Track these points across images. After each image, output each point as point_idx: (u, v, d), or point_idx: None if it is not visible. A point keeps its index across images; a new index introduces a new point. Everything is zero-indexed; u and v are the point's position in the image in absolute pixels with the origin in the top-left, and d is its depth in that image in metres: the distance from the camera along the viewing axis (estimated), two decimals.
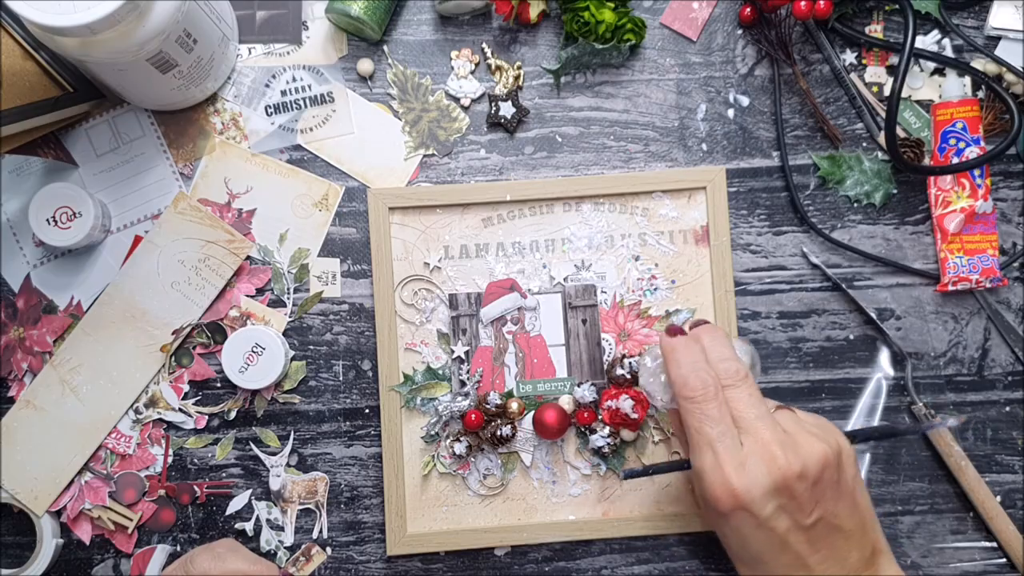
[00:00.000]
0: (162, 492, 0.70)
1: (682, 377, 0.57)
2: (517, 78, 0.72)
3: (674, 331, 0.60)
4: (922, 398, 0.71)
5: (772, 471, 0.53)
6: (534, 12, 0.71)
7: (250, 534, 0.70)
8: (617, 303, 0.70)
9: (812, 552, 0.54)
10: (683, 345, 0.58)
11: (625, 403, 0.67)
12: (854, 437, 0.60)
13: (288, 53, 0.72)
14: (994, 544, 0.70)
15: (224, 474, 0.71)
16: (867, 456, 0.71)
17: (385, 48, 0.73)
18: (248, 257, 0.71)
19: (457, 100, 0.72)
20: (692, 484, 0.67)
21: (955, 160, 0.70)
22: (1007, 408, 0.71)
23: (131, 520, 0.70)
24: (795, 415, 0.58)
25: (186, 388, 0.71)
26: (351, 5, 0.68)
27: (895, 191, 0.72)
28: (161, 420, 0.71)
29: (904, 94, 0.72)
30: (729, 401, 0.56)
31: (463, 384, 0.70)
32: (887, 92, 0.72)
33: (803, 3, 0.68)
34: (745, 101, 0.73)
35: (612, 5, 0.69)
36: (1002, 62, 0.70)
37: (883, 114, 0.72)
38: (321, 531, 0.71)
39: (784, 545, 0.54)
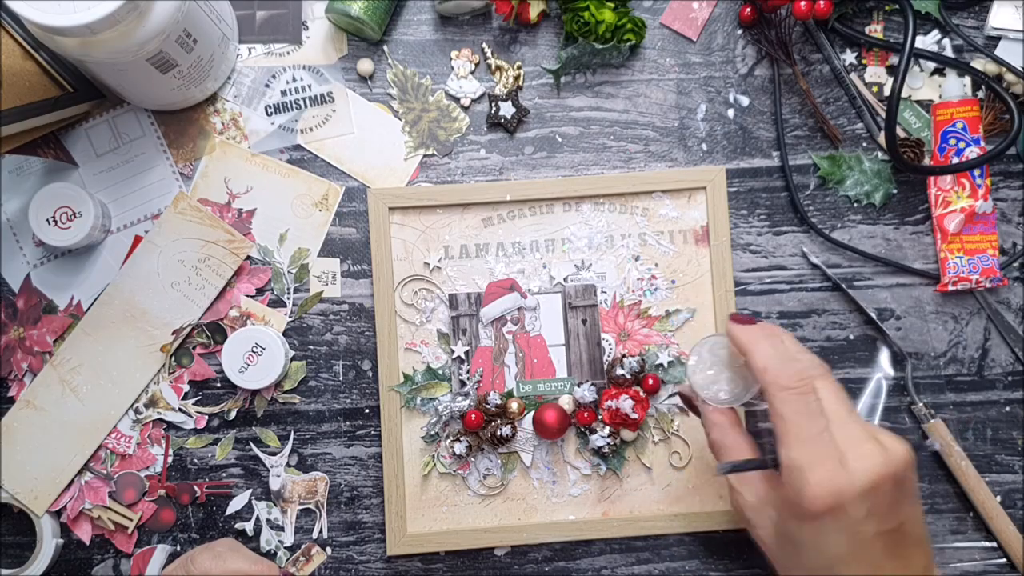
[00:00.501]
0: (162, 492, 0.70)
1: (775, 367, 0.53)
2: (517, 78, 0.72)
3: (744, 320, 0.57)
4: (922, 398, 0.71)
5: (870, 470, 0.49)
6: (534, 12, 0.71)
7: (250, 534, 0.70)
8: (617, 303, 0.70)
9: (887, 559, 0.51)
10: (766, 335, 0.55)
11: (625, 403, 0.67)
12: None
13: (288, 53, 0.72)
14: (994, 544, 0.70)
15: (224, 474, 0.71)
16: None
17: (385, 48, 0.73)
18: (248, 257, 0.71)
19: (457, 100, 0.72)
20: (734, 486, 0.60)
21: (955, 160, 0.70)
22: (1007, 408, 0.71)
23: (131, 520, 0.70)
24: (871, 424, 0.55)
25: (186, 388, 0.71)
26: (351, 5, 0.68)
27: (895, 191, 0.72)
28: (161, 420, 0.71)
29: (904, 94, 0.72)
30: (821, 396, 0.52)
31: (463, 384, 0.70)
32: (887, 92, 0.72)
33: (803, 3, 0.68)
34: (745, 101, 0.73)
35: (612, 5, 0.69)
36: (1002, 62, 0.70)
37: (883, 114, 0.72)
38: (321, 531, 0.71)
39: (863, 552, 0.50)
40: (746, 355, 0.55)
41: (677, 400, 0.70)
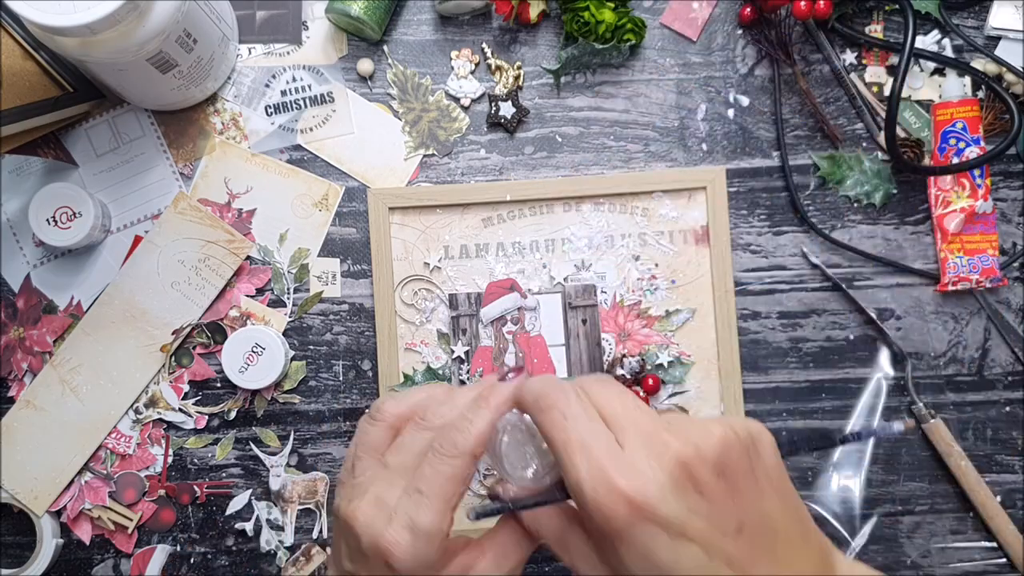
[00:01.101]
0: (162, 492, 0.70)
1: (533, 391, 0.43)
2: (517, 78, 0.72)
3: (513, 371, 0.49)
4: (922, 398, 0.71)
5: (665, 460, 0.39)
6: (534, 12, 0.71)
7: (250, 534, 0.70)
8: (617, 303, 0.70)
9: (747, 560, 0.39)
10: (536, 377, 0.45)
11: None
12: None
13: (288, 53, 0.72)
14: (994, 544, 0.70)
15: (224, 474, 0.71)
16: (867, 457, 0.71)
17: (385, 48, 0.73)
18: (248, 257, 0.71)
19: (457, 100, 0.72)
20: (574, 532, 0.47)
21: (955, 160, 0.70)
22: (1007, 408, 0.71)
23: (131, 520, 0.70)
24: (687, 415, 0.47)
25: (186, 388, 0.71)
26: (351, 5, 0.68)
27: (895, 191, 0.72)
28: (161, 420, 0.71)
29: (904, 94, 0.72)
30: (596, 401, 0.42)
31: (463, 384, 0.70)
32: (887, 92, 0.72)
33: (803, 3, 0.68)
34: (745, 101, 0.73)
35: (612, 5, 0.69)
36: (1002, 62, 0.70)
37: (883, 114, 0.72)
38: (321, 531, 0.71)
39: (710, 560, 0.39)
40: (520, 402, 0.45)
41: (677, 400, 0.70)
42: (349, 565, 0.45)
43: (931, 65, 0.72)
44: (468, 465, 0.45)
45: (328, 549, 0.70)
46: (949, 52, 0.72)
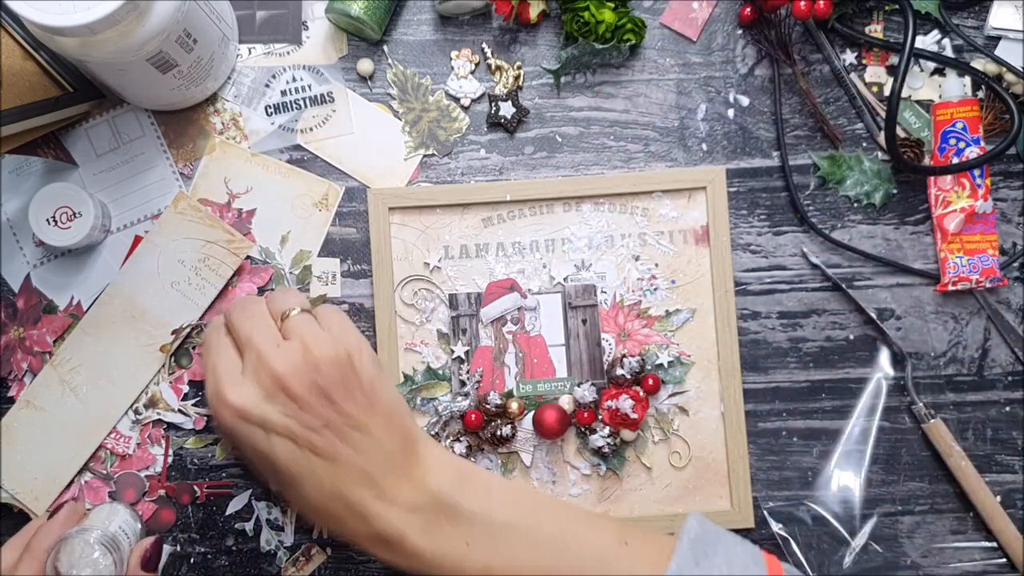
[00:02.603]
0: (162, 492, 0.70)
1: (206, 332, 0.61)
2: (517, 78, 0.72)
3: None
4: (922, 398, 0.71)
5: (262, 379, 0.54)
6: (534, 12, 0.71)
7: (250, 534, 0.70)
8: (617, 303, 0.70)
9: (332, 449, 0.53)
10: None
11: (625, 403, 0.67)
12: None
13: (288, 53, 0.72)
14: (994, 544, 0.70)
15: (224, 474, 0.71)
16: (867, 457, 0.71)
17: (385, 48, 0.73)
18: (248, 257, 0.71)
19: (457, 100, 0.72)
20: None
21: (955, 160, 0.70)
22: (1007, 408, 0.71)
23: None
24: (311, 318, 0.58)
25: (186, 388, 0.71)
26: (351, 5, 0.68)
27: (895, 191, 0.72)
28: (161, 420, 0.71)
29: (904, 94, 0.72)
30: (232, 327, 0.58)
31: (463, 384, 0.70)
32: (887, 92, 0.72)
33: (803, 3, 0.68)
34: (745, 101, 0.73)
35: (612, 5, 0.69)
36: (1002, 62, 0.70)
37: (883, 114, 0.72)
38: (321, 531, 0.71)
39: (304, 453, 0.54)
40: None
41: (677, 400, 0.70)
42: None
43: (931, 65, 0.72)
44: None
45: (328, 549, 0.71)
46: (949, 52, 0.72)
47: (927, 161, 0.72)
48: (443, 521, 0.54)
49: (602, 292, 0.70)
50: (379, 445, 0.55)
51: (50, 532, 0.59)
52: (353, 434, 0.54)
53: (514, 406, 0.68)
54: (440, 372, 0.70)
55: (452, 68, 0.72)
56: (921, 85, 0.72)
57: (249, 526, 0.70)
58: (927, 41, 0.72)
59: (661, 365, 0.70)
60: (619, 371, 0.68)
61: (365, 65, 0.72)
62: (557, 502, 0.59)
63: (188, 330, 0.70)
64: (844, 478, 0.71)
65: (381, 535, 0.54)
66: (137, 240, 0.71)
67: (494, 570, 0.53)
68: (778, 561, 0.54)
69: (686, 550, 0.53)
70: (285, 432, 0.53)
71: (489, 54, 0.72)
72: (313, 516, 0.57)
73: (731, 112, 0.73)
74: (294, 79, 0.72)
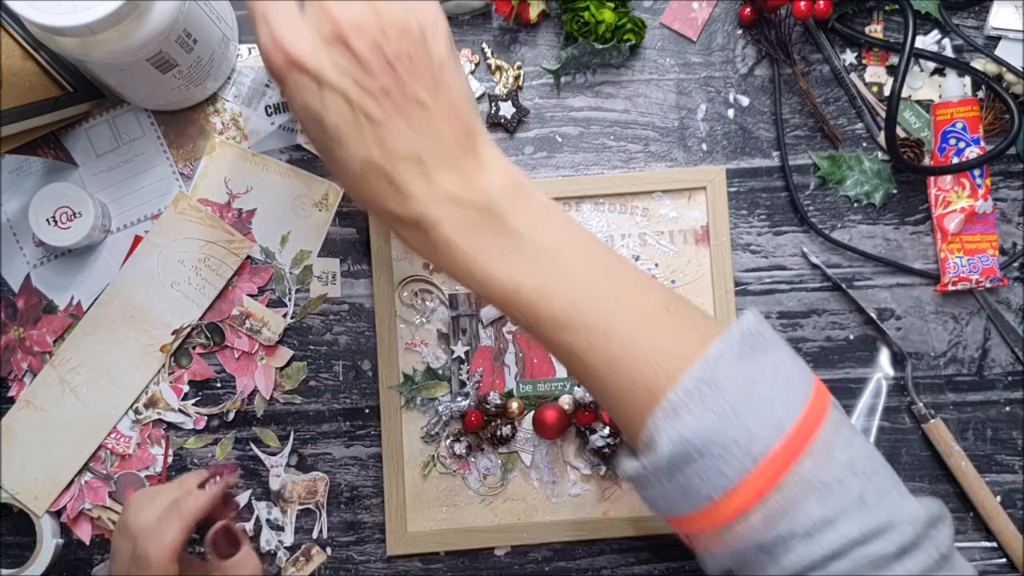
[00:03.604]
0: None
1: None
2: (517, 78, 0.72)
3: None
4: (922, 398, 0.71)
5: (323, 25, 0.46)
6: (534, 12, 0.71)
7: (250, 534, 0.70)
8: None
9: (387, 120, 0.47)
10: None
11: None
12: None
13: None
14: (994, 544, 0.70)
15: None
16: None
17: None
18: (248, 257, 0.71)
19: None
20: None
21: (955, 160, 0.70)
22: (1007, 408, 0.71)
23: None
24: None
25: (186, 388, 0.71)
26: None
27: (895, 191, 0.72)
28: (161, 420, 0.71)
29: (904, 94, 0.72)
30: None
31: (463, 384, 0.70)
32: (887, 92, 0.72)
33: (803, 3, 0.68)
34: (745, 101, 0.73)
35: (612, 5, 0.69)
36: (1002, 62, 0.70)
37: (883, 114, 0.72)
38: (321, 531, 0.71)
39: (356, 116, 0.47)
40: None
41: None
42: None
43: (931, 65, 0.72)
44: (166, 570, 0.60)
45: (328, 549, 0.71)
46: (949, 52, 0.72)
47: (927, 161, 0.72)
48: (484, 226, 0.48)
49: None
50: (437, 130, 0.48)
51: (202, 503, 0.63)
52: (413, 111, 0.48)
53: (514, 406, 0.68)
54: (440, 372, 0.70)
55: None
56: (921, 85, 0.72)
57: (249, 526, 0.70)
58: (927, 41, 0.72)
59: None
60: None
61: None
62: (608, 250, 0.51)
63: (188, 330, 0.70)
64: None
65: (416, 218, 0.48)
66: (137, 240, 0.71)
67: (523, 291, 0.48)
68: (827, 391, 0.49)
69: (734, 339, 0.47)
70: (340, 90, 0.47)
71: (489, 54, 0.72)
72: (350, 184, 0.50)
73: (731, 112, 0.73)
74: None
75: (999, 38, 0.72)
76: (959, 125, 0.70)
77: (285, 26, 0.47)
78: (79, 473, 0.70)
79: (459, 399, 0.69)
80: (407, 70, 0.47)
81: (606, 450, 0.68)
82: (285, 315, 0.71)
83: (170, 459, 0.71)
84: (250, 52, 0.72)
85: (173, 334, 0.70)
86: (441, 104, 0.48)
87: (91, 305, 0.71)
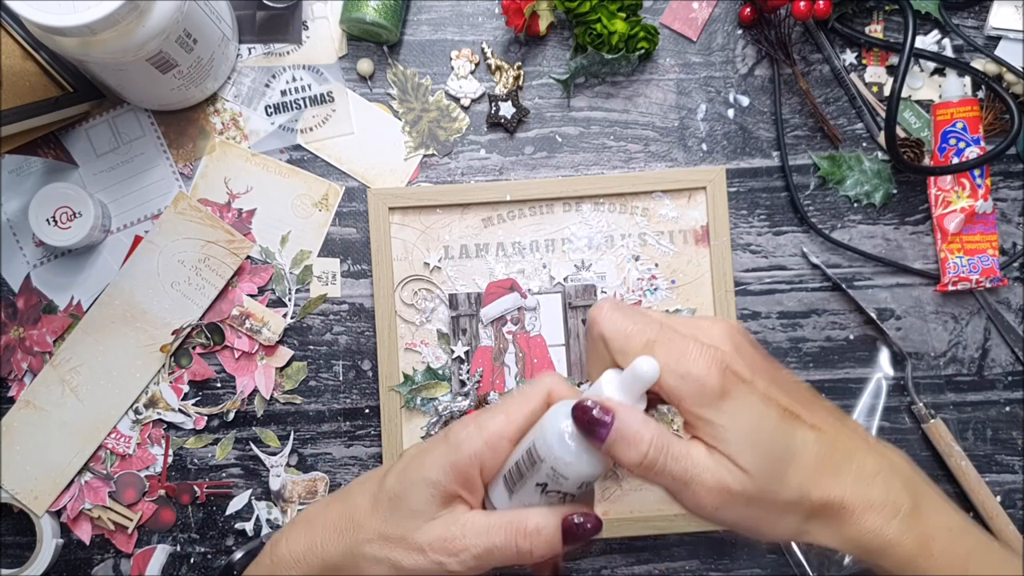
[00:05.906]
0: (162, 492, 0.70)
1: (624, 331, 0.45)
2: (517, 78, 0.72)
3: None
4: (922, 398, 0.71)
5: (725, 335, 0.46)
6: (543, 24, 0.70)
7: (250, 534, 0.70)
8: None
9: (810, 416, 0.45)
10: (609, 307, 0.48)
11: None
12: None
13: (288, 53, 0.72)
14: None
15: (224, 474, 0.71)
16: None
17: (385, 48, 0.73)
18: (248, 257, 0.71)
19: (457, 100, 0.72)
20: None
21: (955, 160, 0.70)
22: (1007, 408, 0.71)
23: (131, 520, 0.70)
24: (689, 319, 0.50)
25: (186, 388, 0.71)
26: (365, 12, 0.68)
27: (895, 191, 0.72)
28: (161, 420, 0.71)
29: (904, 94, 0.72)
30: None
31: (463, 384, 0.70)
32: (887, 92, 0.72)
33: (803, 3, 0.68)
34: (745, 101, 0.73)
35: (623, 15, 0.69)
36: (1002, 62, 0.70)
37: (883, 114, 0.72)
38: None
39: (789, 416, 0.45)
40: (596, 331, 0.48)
41: None
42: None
43: (931, 65, 0.72)
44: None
45: None
46: (949, 52, 0.72)
47: (927, 161, 0.72)
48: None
49: (602, 292, 0.70)
50: (818, 408, 0.47)
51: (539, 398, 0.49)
52: (796, 393, 0.47)
53: None
54: (440, 372, 0.70)
55: (452, 68, 0.72)
56: (921, 85, 0.72)
57: (249, 526, 0.70)
58: (927, 41, 0.72)
59: None
60: None
61: (365, 65, 0.72)
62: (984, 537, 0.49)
63: (188, 330, 0.70)
64: None
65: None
66: (137, 240, 0.71)
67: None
68: None
69: None
70: (767, 393, 0.45)
71: (489, 54, 0.72)
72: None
73: (731, 112, 0.73)
74: (294, 79, 0.72)
75: (999, 38, 0.72)
76: (959, 125, 0.70)
77: (698, 351, 0.44)
78: (79, 473, 0.70)
79: (459, 399, 0.69)
80: (764, 366, 0.47)
81: None
82: (285, 315, 0.71)
83: (170, 459, 0.71)
84: (250, 52, 0.72)
85: (173, 334, 0.70)
86: (795, 383, 0.48)
87: (91, 305, 0.71)
